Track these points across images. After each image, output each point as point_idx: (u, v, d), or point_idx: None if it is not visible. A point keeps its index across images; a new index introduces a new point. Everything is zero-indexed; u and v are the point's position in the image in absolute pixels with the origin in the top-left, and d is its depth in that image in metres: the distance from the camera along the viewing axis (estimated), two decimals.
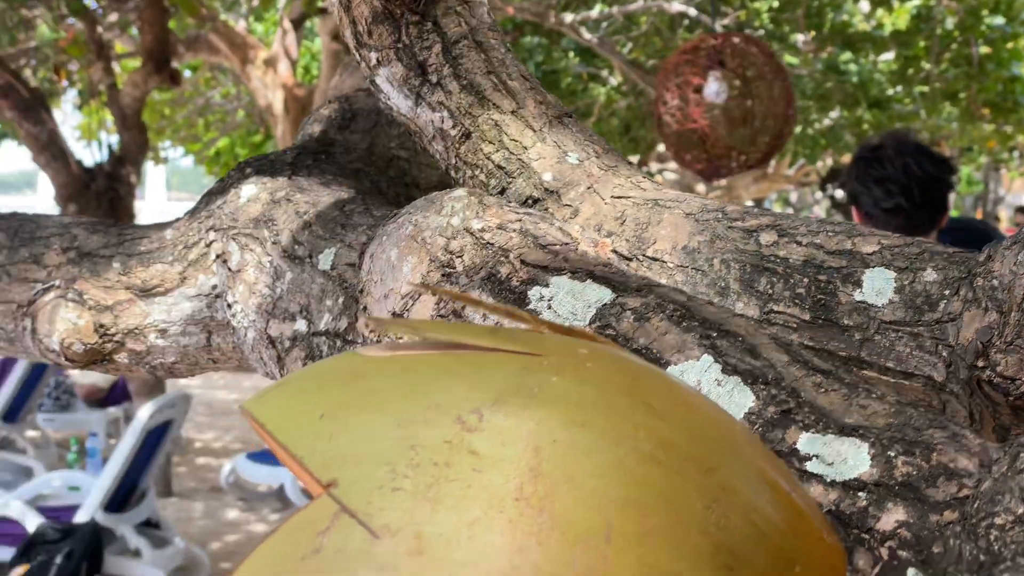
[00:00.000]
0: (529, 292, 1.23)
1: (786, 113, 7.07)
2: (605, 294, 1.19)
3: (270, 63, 13.09)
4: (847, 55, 13.09)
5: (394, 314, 1.33)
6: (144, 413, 9.75)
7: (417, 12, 1.61)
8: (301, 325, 1.60)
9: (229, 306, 1.77)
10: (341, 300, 1.55)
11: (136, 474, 8.87)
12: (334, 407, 0.90)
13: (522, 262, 1.26)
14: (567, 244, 1.31)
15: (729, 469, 0.89)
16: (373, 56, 1.65)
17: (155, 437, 9.86)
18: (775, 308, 1.35)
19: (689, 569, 0.82)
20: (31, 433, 12.32)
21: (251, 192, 1.82)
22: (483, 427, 0.85)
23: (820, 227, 1.36)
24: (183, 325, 1.86)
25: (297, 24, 13.72)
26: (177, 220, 1.96)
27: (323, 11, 12.22)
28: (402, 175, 2.00)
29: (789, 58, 12.93)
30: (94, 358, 1.89)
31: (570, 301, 1.19)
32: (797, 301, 1.33)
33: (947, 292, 1.26)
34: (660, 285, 1.20)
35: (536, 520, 0.81)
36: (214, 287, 1.83)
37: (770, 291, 1.35)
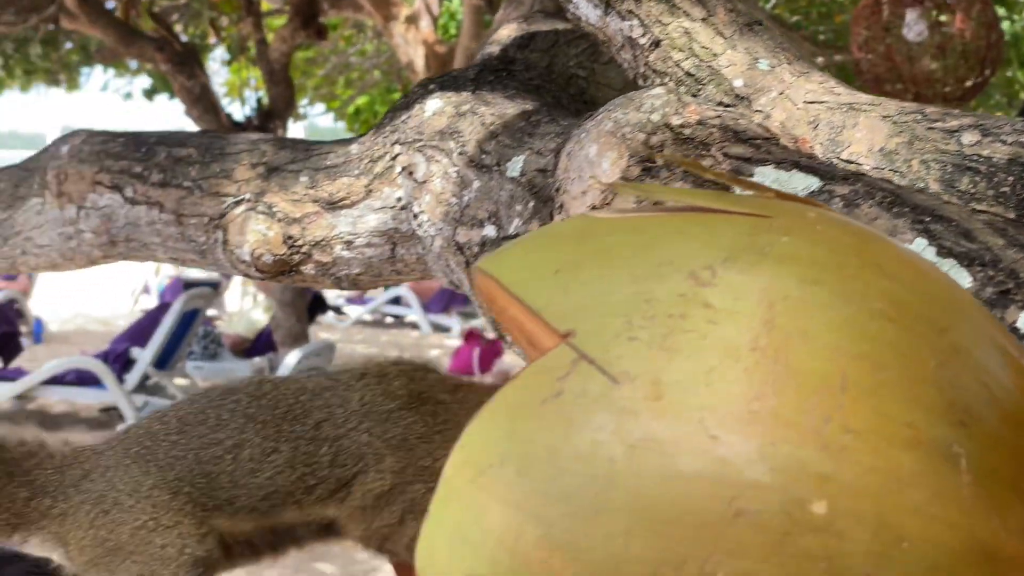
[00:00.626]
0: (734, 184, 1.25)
1: (989, 41, 6.75)
2: (812, 182, 1.20)
3: (412, 20, 13.20)
4: (1000, 11, 12.77)
5: (592, 207, 1.35)
6: (292, 360, 9.98)
7: None
8: (490, 231, 1.64)
9: (415, 216, 1.81)
10: (531, 205, 1.58)
11: None
12: (568, 263, 0.93)
13: (724, 155, 1.28)
14: (768, 138, 1.31)
15: (960, 331, 0.90)
16: None
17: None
18: (978, 208, 1.34)
19: (924, 421, 0.83)
20: (180, 380, 12.68)
21: (436, 106, 1.86)
22: (716, 282, 0.87)
23: None
24: (368, 237, 1.91)
25: None
26: (362, 136, 2.01)
27: None
28: (581, 93, 2.02)
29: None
30: (282, 269, 1.95)
31: (776, 190, 1.20)
32: (1001, 200, 1.32)
33: None
34: (867, 175, 1.21)
35: (772, 370, 0.83)
36: (399, 199, 1.88)
37: (972, 191, 1.35)
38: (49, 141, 2.37)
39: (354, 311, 19.89)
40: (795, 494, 0.79)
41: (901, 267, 0.92)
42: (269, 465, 0.95)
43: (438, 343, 18.39)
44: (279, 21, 13.32)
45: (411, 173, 1.84)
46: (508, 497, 0.86)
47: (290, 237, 1.93)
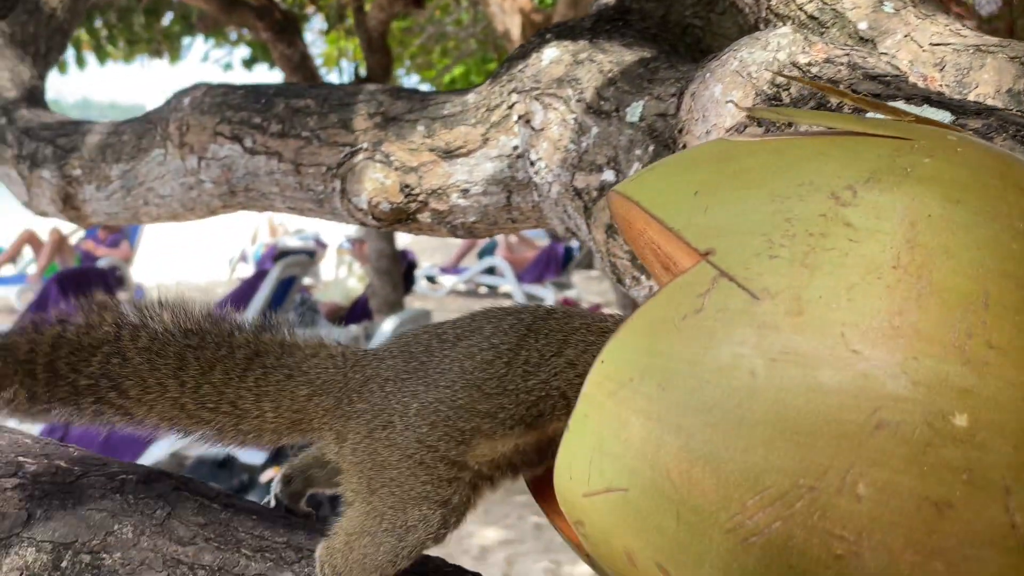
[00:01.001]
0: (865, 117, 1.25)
1: None
2: (944, 116, 1.20)
3: None
4: None
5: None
6: (388, 327, 10.06)
7: None
8: (608, 175, 1.65)
9: (532, 163, 1.82)
10: (651, 148, 1.59)
11: None
12: (708, 185, 0.94)
13: (853, 91, 1.27)
14: (897, 76, 1.31)
15: None
16: None
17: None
18: None
19: None
20: None
21: (553, 55, 1.87)
22: (857, 202, 0.88)
23: None
24: (484, 185, 1.93)
25: None
26: (478, 85, 2.03)
27: None
28: (697, 42, 2.02)
29: None
30: (399, 217, 1.98)
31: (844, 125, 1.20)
32: None
33: None
34: (1000, 109, 1.20)
35: (915, 286, 0.83)
36: (515, 148, 1.90)
37: None
38: None
39: (448, 281, 19.96)
40: (937, 407, 0.80)
41: None
42: (547, 368, 0.96)
43: None
44: None
45: (528, 121, 1.85)
46: (649, 410, 0.87)
47: (407, 186, 1.95)
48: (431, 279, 20.25)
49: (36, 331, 1.07)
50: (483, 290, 20.39)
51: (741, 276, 0.87)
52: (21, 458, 1.19)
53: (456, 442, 0.99)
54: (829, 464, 0.81)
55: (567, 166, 1.73)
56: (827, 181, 0.90)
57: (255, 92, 2.25)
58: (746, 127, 1.34)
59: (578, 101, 1.76)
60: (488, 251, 19.98)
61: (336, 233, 19.89)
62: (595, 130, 1.70)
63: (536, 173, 1.81)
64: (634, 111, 1.65)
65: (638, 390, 0.88)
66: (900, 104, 1.23)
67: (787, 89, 1.33)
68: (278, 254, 16.14)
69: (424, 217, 1.98)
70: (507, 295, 19.69)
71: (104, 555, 1.10)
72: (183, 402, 1.04)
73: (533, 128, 1.83)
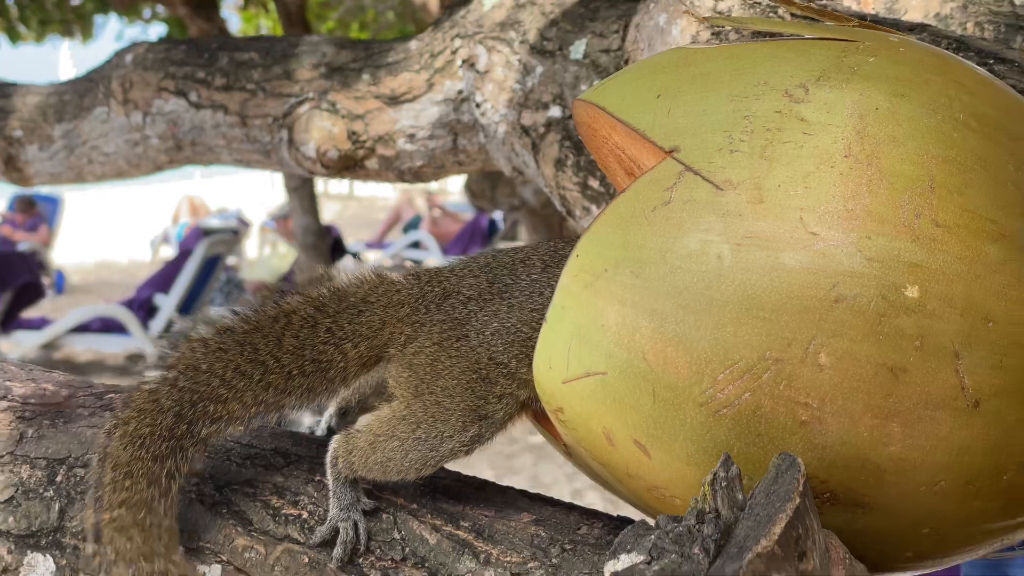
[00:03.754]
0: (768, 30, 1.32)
1: None
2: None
3: None
4: None
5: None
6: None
7: None
8: (555, 111, 1.71)
9: (478, 105, 1.88)
10: (596, 82, 1.65)
11: None
12: (669, 88, 1.00)
13: (792, 16, 1.34)
14: (833, 0, 1.38)
15: None
16: None
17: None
18: None
19: (1004, 217, 0.91)
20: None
21: (492, 2, 1.92)
22: (809, 99, 0.95)
23: None
24: (431, 129, 1.97)
25: None
26: (421, 33, 2.07)
27: None
28: None
29: None
30: (347, 164, 2.03)
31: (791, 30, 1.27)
32: None
33: None
34: (932, 25, 1.27)
35: (865, 173, 0.90)
36: (460, 91, 1.94)
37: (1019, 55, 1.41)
38: None
39: (373, 256, 19.87)
40: (890, 280, 0.87)
41: (980, 84, 0.99)
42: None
43: None
44: None
45: (472, 65, 1.91)
46: (623, 297, 0.94)
47: (354, 132, 2.00)
48: (355, 255, 20.18)
49: None
50: (408, 264, 20.36)
51: (705, 170, 0.93)
52: (8, 383, 1.23)
53: (529, 360, 1.03)
54: (793, 337, 0.88)
55: (513, 105, 1.78)
56: (780, 81, 0.97)
57: (197, 47, 2.28)
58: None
59: (521, 43, 1.82)
60: (413, 225, 19.97)
61: (259, 212, 19.77)
62: (540, 69, 1.76)
63: (482, 115, 1.87)
64: (577, 48, 1.71)
65: (613, 279, 0.94)
66: (833, 24, 1.31)
67: (729, 15, 1.39)
68: (201, 234, 16.01)
69: (372, 163, 2.02)
70: None
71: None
72: (269, 381, 1.06)
73: (478, 71, 1.88)
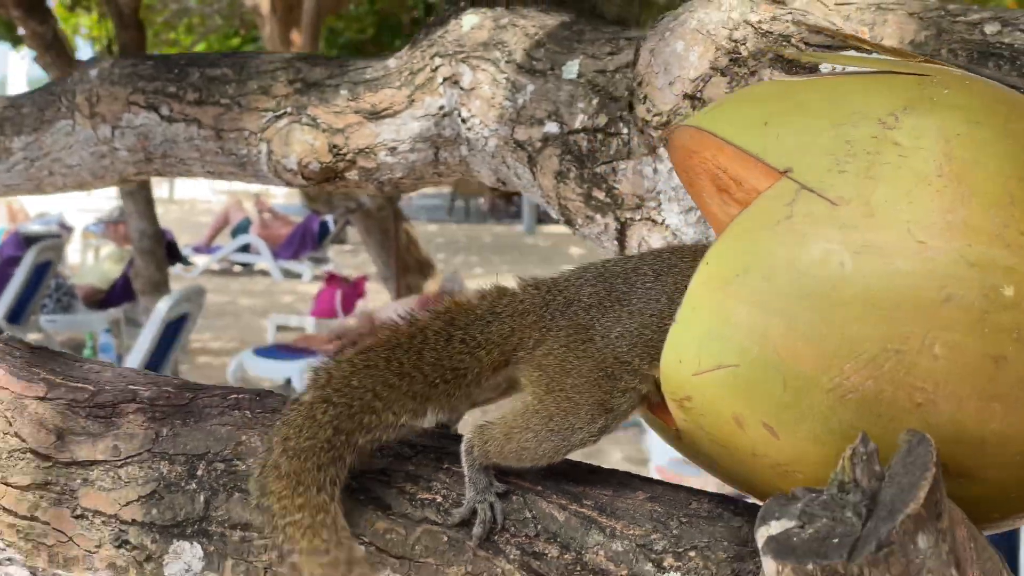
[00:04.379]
0: (820, 66, 1.47)
1: None
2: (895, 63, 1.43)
3: None
4: None
5: (686, 96, 1.57)
6: (164, 306, 9.92)
7: None
8: (552, 127, 1.83)
9: (464, 120, 1.99)
10: (595, 101, 1.78)
11: (155, 367, 9.03)
12: (774, 116, 1.14)
13: (806, 44, 1.50)
14: (837, 29, 1.54)
15: None
16: None
17: (171, 333, 10.06)
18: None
19: None
20: (34, 336, 12.44)
21: (474, 21, 2.04)
22: (900, 126, 1.10)
23: None
24: (412, 143, 2.08)
25: None
26: (397, 52, 2.17)
27: None
28: (593, 8, 2.21)
29: None
30: (327, 176, 2.12)
31: (858, 65, 1.43)
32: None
33: None
34: (928, 56, 1.44)
35: (957, 190, 1.06)
36: (441, 107, 2.06)
37: (998, 74, 1.59)
38: None
39: (201, 260, 19.57)
40: (990, 282, 1.03)
41: None
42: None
43: (290, 289, 18.11)
44: None
45: (456, 82, 2.02)
46: (755, 299, 1.07)
47: (335, 146, 2.09)
48: (184, 260, 19.85)
49: None
50: (237, 268, 20.13)
51: (818, 188, 1.08)
52: (131, 386, 1.30)
53: (651, 358, 1.16)
54: (910, 331, 1.03)
55: (505, 121, 1.91)
56: (873, 110, 1.12)
57: (166, 62, 2.34)
58: (710, 76, 1.55)
59: (507, 62, 1.94)
60: (242, 229, 19.70)
61: (80, 216, 19.30)
62: (531, 87, 1.88)
63: (469, 129, 1.98)
64: (570, 69, 1.84)
65: (744, 284, 1.08)
66: (853, 53, 1.47)
67: (744, 44, 1.54)
68: (21, 240, 15.56)
69: (351, 175, 2.12)
70: (264, 272, 19.52)
71: (237, 462, 1.23)
72: (415, 390, 1.18)
73: (462, 88, 2.00)
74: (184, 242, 19.88)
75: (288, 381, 10.91)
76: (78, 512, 1.24)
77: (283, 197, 22.51)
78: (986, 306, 1.03)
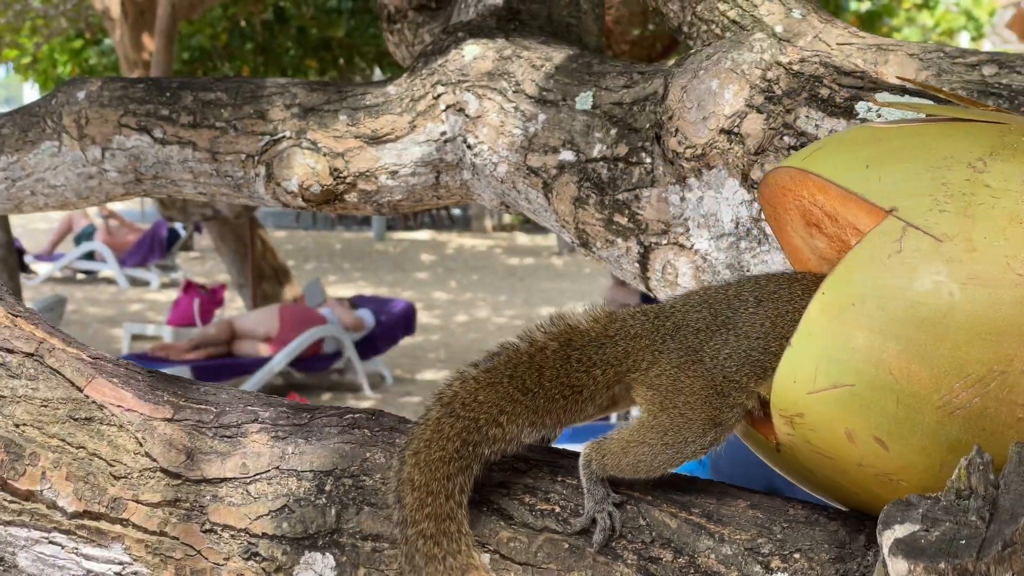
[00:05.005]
0: (856, 105, 1.60)
1: None
2: (926, 100, 1.56)
3: None
4: None
5: (722, 130, 1.68)
6: None
7: None
8: (568, 155, 1.92)
9: (470, 147, 2.07)
10: (612, 132, 1.88)
11: None
12: (874, 160, 1.26)
13: (839, 85, 1.62)
14: (864, 71, 1.67)
15: None
16: None
17: None
18: None
19: None
20: None
21: (475, 51, 2.12)
22: (988, 170, 1.22)
23: None
24: (413, 167, 2.15)
25: None
26: (396, 79, 2.24)
27: None
28: (578, 39, 2.31)
29: None
30: (327, 198, 2.18)
31: (899, 112, 1.55)
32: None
33: None
34: (948, 92, 1.58)
35: None
36: (443, 133, 2.13)
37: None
38: None
39: (43, 268, 19.04)
40: None
41: None
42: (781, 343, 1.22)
43: (137, 297, 17.78)
44: None
45: (460, 109, 2.09)
46: (870, 325, 1.18)
47: (336, 169, 2.14)
48: (25, 268, 19.29)
49: None
50: (80, 276, 19.64)
51: (923, 225, 1.20)
52: (251, 408, 1.35)
53: (758, 376, 1.26)
54: (1014, 354, 1.15)
55: (516, 148, 1.99)
56: (962, 155, 1.24)
57: (157, 85, 2.36)
58: (746, 113, 1.66)
59: (515, 92, 2.02)
60: (86, 236, 19.19)
61: None
62: (543, 117, 1.97)
63: (476, 155, 2.06)
64: (584, 100, 1.94)
65: (860, 311, 1.19)
66: (886, 94, 1.60)
67: (777, 83, 1.66)
68: None
69: (351, 197, 2.18)
70: (109, 280, 19.10)
71: (364, 477, 1.29)
72: (537, 404, 1.26)
73: (468, 116, 2.08)
74: (25, 249, 19.33)
75: None
76: (207, 527, 1.29)
77: (126, 203, 22.08)
78: None
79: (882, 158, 1.26)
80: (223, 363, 10.72)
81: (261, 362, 10.62)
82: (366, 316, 11.64)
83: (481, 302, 16.68)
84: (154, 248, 18.78)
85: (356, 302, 12.22)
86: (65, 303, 10.54)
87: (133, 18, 13.24)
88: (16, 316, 1.37)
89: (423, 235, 25.01)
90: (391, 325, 11.83)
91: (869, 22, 15.69)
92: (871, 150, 1.27)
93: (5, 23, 17.14)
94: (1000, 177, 1.21)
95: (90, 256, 19.08)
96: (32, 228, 24.21)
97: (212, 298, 13.08)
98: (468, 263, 20.58)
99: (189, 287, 13.27)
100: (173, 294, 15.19)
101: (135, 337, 13.28)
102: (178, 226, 18.21)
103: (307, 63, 15.46)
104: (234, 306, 14.34)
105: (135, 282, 18.90)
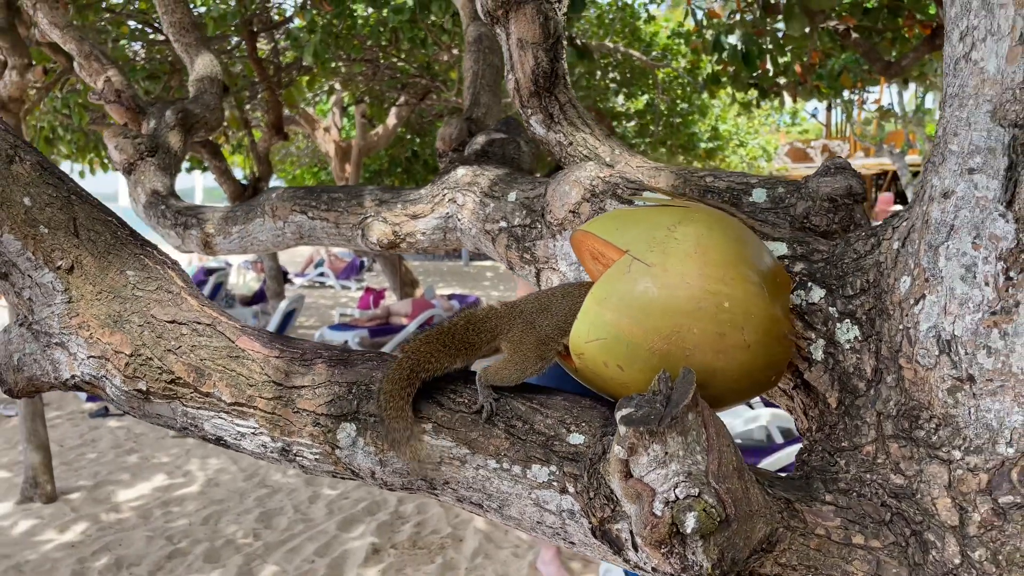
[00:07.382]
0: (635, 200, 1.59)
1: None
2: (664, 197, 1.55)
3: (327, 129, 12.96)
4: None
5: (570, 211, 1.67)
6: (283, 305, 9.78)
7: (548, 91, 1.94)
8: (503, 224, 1.93)
9: (459, 220, 2.08)
10: (524, 212, 1.88)
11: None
12: (620, 224, 1.25)
13: (627, 188, 1.62)
14: (639, 181, 1.67)
15: (759, 245, 1.27)
16: (528, 111, 1.98)
17: (287, 318, 9.88)
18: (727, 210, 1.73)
19: (752, 274, 1.21)
20: None
21: (462, 172, 2.13)
22: (676, 230, 1.22)
23: (732, 173, 1.74)
24: (432, 230, 2.16)
25: (341, 108, 13.55)
26: (426, 186, 2.26)
27: (359, 101, 12.09)
28: (519, 166, 2.33)
29: None
30: (391, 246, 2.20)
31: (647, 202, 1.55)
32: (735, 205, 1.71)
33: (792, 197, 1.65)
34: (692, 198, 1.57)
35: (704, 258, 1.18)
36: (447, 214, 2.14)
37: (719, 206, 1.73)
38: None
39: (297, 280, 19.42)
40: (718, 300, 1.15)
41: (742, 228, 1.29)
42: (574, 317, 1.21)
43: (343, 295, 18.10)
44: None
45: (454, 200, 2.11)
46: (614, 308, 1.18)
47: (396, 231, 2.17)
48: (289, 281, 19.51)
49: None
50: (316, 284, 19.82)
51: (642, 258, 1.20)
52: (318, 351, 1.37)
53: (563, 334, 1.26)
54: (683, 323, 1.15)
55: (478, 220, 2.00)
56: (663, 223, 1.23)
57: (309, 190, 2.40)
58: (581, 203, 1.66)
59: (480, 192, 2.03)
60: (320, 263, 19.45)
61: (237, 258, 18.86)
62: (492, 205, 1.98)
63: (461, 224, 2.07)
64: (511, 195, 1.94)
65: (609, 302, 1.19)
66: (648, 193, 1.59)
67: (597, 187, 1.66)
68: (205, 270, 15.21)
69: (403, 245, 2.20)
70: (331, 286, 19.23)
71: (371, 386, 1.31)
72: (455, 352, 1.26)
73: (458, 204, 2.09)
74: (290, 269, 19.46)
75: (346, 342, 10.84)
76: (295, 410, 1.29)
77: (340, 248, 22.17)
78: (715, 311, 1.15)
79: (625, 223, 1.26)
80: (383, 327, 10.79)
81: (401, 328, 10.66)
82: (456, 304, 11.66)
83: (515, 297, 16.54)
84: (353, 269, 18.90)
85: (451, 297, 12.23)
86: (304, 298, 10.63)
87: (339, 157, 13.27)
88: (203, 306, 1.39)
89: (488, 262, 24.97)
90: (469, 308, 11.82)
91: (711, 153, 15.49)
92: (621, 220, 1.27)
93: (279, 158, 17.33)
94: (681, 234, 1.21)
95: (321, 274, 19.23)
96: (291, 260, 24.32)
97: (379, 295, 13.12)
98: (508, 276, 20.58)
99: (368, 290, 13.33)
100: (360, 293, 15.28)
101: (341, 315, 13.33)
102: (365, 260, 18.33)
103: (403, 178, 15.36)
104: (391, 299, 14.38)
105: (344, 287, 18.99)
